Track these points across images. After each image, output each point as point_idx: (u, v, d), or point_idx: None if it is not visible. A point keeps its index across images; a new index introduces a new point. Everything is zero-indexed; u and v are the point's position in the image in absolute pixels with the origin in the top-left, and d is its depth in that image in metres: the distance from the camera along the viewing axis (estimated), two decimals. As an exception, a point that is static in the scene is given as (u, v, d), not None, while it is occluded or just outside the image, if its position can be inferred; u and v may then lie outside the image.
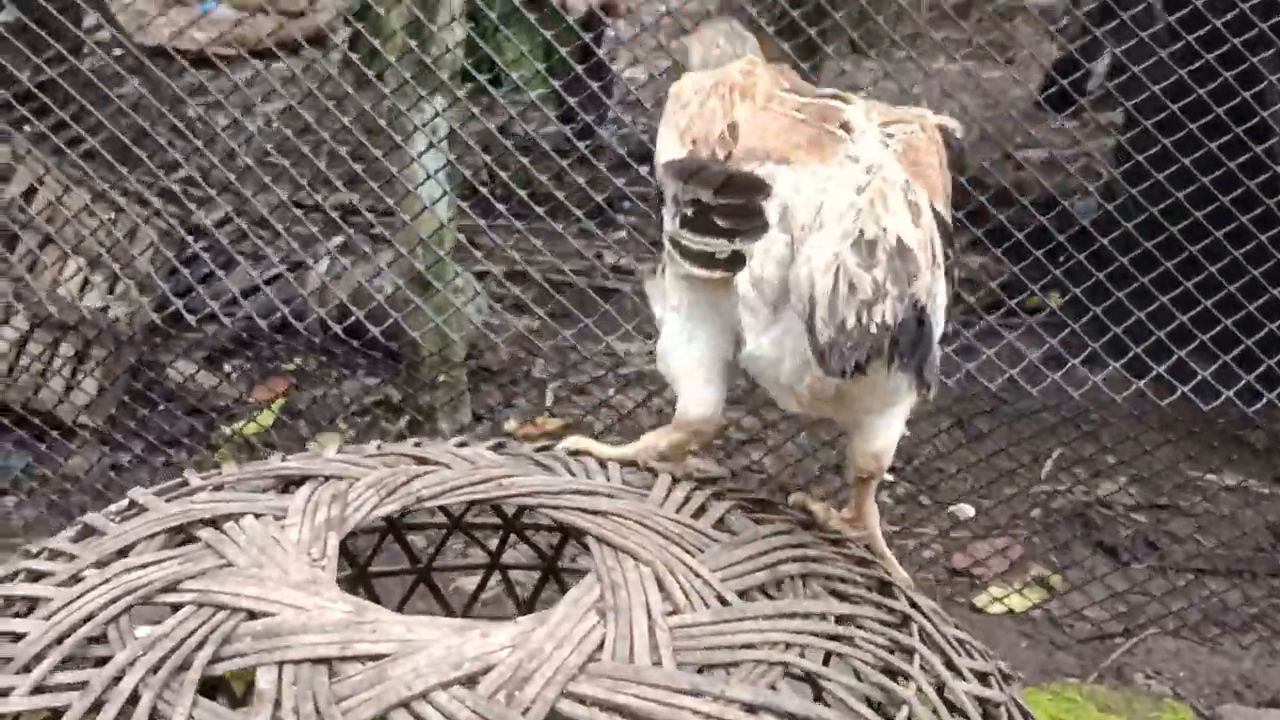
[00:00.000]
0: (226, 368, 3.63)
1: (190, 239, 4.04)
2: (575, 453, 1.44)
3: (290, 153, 4.80)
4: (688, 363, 1.40)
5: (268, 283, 3.84)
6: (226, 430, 3.31)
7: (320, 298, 3.65)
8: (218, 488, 1.33)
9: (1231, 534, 3.06)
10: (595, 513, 1.24)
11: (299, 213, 3.63)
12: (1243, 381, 2.63)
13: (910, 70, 3.45)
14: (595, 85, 3.05)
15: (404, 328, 3.06)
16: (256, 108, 6.26)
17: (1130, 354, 2.71)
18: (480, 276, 3.89)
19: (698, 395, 1.40)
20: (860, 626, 1.18)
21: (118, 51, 5.10)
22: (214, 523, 1.21)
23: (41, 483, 3.13)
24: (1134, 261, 2.76)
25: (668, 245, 1.37)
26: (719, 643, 1.09)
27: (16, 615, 1.13)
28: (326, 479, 1.31)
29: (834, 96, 1.42)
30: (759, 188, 1.27)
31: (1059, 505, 3.18)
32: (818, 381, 1.18)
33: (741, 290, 1.25)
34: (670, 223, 1.36)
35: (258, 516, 1.22)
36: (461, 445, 1.45)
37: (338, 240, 3.74)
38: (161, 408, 3.32)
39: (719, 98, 1.41)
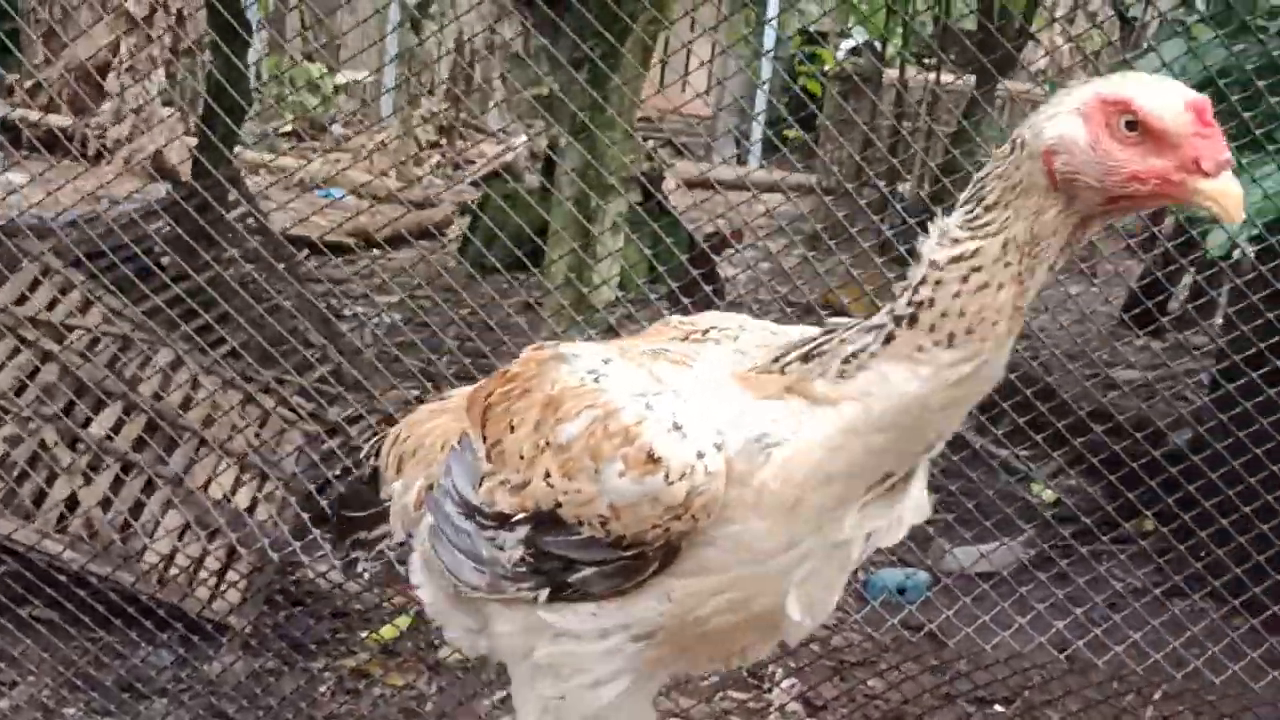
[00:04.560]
0: (360, 569, 3.86)
1: (327, 437, 4.35)
2: None
3: (409, 349, 5.13)
4: None
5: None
6: (366, 636, 3.53)
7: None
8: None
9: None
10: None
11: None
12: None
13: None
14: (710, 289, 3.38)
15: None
16: (376, 297, 6.64)
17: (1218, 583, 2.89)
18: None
19: None
20: None
21: (249, 239, 5.53)
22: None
23: (189, 687, 3.33)
24: (1228, 494, 2.94)
25: None
26: None
27: None
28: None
29: None
30: None
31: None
32: None
33: None
34: None
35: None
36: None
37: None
38: (302, 610, 3.56)
39: None
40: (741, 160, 9.22)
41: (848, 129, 6.04)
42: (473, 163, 9.18)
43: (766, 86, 8.66)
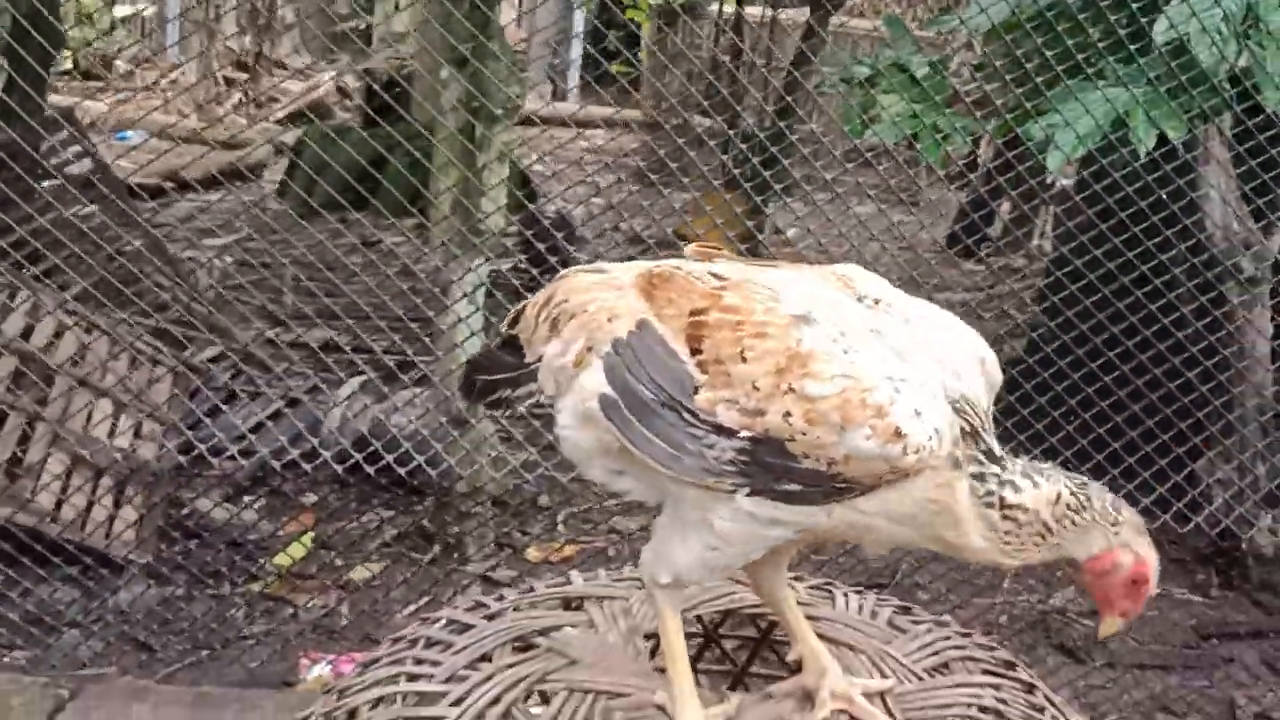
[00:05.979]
0: (247, 500, 4.04)
1: (193, 377, 4.47)
2: None
3: (266, 288, 5.24)
4: None
5: (272, 418, 4.28)
6: (269, 564, 3.73)
7: (341, 432, 4.09)
8: (516, 608, 1.84)
9: (1164, 634, 3.77)
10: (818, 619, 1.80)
11: (285, 347, 4.13)
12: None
13: (831, 212, 4.15)
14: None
15: (447, 460, 3.56)
16: (210, 241, 6.66)
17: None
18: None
19: None
20: (1008, 694, 1.76)
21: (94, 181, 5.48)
22: (544, 633, 1.73)
23: (99, 619, 3.47)
24: (1056, 393, 3.53)
25: None
26: (927, 703, 1.67)
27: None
28: (601, 599, 1.83)
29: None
30: None
31: (1020, 613, 3.84)
32: None
33: None
34: None
35: (574, 627, 1.74)
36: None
37: (358, 379, 4.19)
38: (199, 541, 3.73)
39: None
40: (558, 95, 9.48)
41: (676, 62, 6.39)
42: (277, 100, 9.14)
43: (582, 18, 8.97)
